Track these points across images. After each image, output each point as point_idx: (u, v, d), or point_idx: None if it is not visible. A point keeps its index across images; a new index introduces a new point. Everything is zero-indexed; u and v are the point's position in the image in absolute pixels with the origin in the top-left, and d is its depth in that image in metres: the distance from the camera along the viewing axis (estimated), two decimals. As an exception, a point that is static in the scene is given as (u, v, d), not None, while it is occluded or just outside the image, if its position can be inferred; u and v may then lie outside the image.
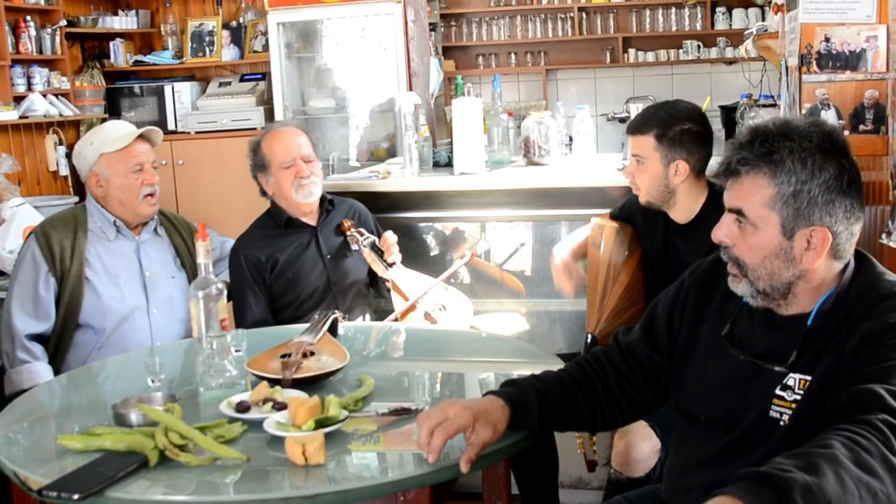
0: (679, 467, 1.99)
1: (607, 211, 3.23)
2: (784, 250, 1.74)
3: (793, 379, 1.74)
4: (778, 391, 1.75)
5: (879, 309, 1.69)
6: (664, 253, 3.00)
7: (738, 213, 1.77)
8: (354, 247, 3.33)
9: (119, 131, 3.25)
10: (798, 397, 1.72)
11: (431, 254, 3.98)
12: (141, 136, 3.23)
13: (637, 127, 2.89)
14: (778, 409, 1.74)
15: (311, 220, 3.38)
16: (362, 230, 3.35)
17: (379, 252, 3.29)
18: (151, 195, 3.21)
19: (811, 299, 1.77)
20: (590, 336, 3.03)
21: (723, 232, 1.81)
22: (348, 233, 3.34)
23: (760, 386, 1.78)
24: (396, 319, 3.20)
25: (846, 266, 1.77)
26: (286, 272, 3.29)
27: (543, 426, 1.96)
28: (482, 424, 1.81)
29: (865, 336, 1.66)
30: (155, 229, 3.32)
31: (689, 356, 1.96)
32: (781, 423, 1.73)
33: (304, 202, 3.30)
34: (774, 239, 1.74)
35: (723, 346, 1.87)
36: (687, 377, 1.96)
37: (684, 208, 2.90)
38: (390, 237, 3.33)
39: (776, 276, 1.75)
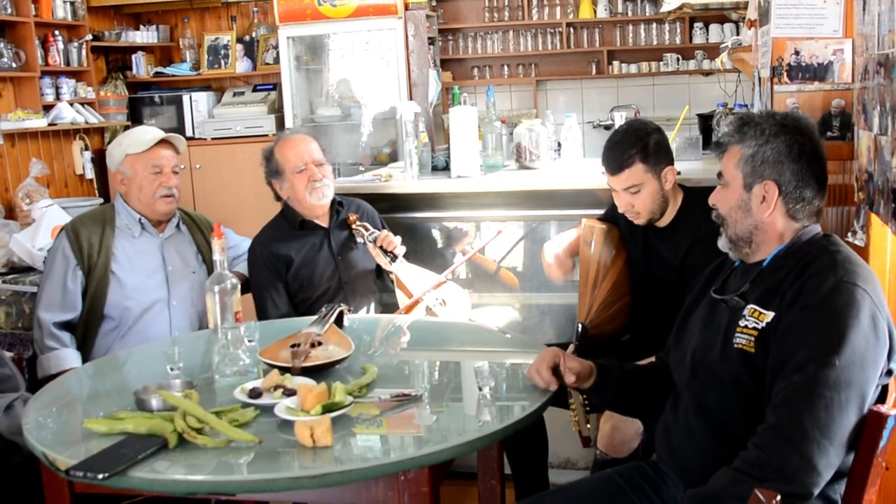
0: (664, 423, 2.15)
1: (594, 212, 3.21)
2: (744, 202, 1.99)
3: (749, 309, 1.94)
4: (741, 322, 1.94)
5: (826, 261, 1.87)
6: (645, 255, 2.98)
7: (720, 175, 2.05)
8: (360, 240, 3.32)
9: (144, 136, 3.26)
10: (756, 324, 1.90)
11: (431, 251, 3.98)
12: (164, 142, 3.24)
13: (620, 164, 2.78)
14: (742, 336, 1.91)
15: (323, 222, 3.36)
16: (367, 225, 3.33)
17: (382, 247, 3.28)
18: (168, 196, 3.22)
19: (772, 248, 2.00)
20: (580, 325, 3.02)
21: (713, 195, 2.08)
22: (353, 226, 3.33)
23: (728, 321, 1.99)
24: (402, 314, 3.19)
25: (807, 229, 1.99)
26: (300, 272, 3.28)
27: (624, 393, 2.24)
28: (570, 357, 2.15)
29: (807, 299, 1.83)
30: (178, 226, 3.33)
31: (689, 315, 2.19)
32: (746, 349, 1.91)
33: (318, 204, 3.29)
34: (738, 192, 2.00)
35: (712, 300, 2.09)
36: (682, 329, 2.18)
37: (669, 213, 2.88)
38: (387, 234, 3.31)
39: (738, 224, 2.01)
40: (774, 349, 1.84)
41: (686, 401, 2.06)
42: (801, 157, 1.96)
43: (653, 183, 2.79)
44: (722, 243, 2.07)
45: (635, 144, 2.78)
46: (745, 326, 1.91)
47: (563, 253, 3.15)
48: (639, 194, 2.80)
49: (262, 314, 3.25)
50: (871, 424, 1.76)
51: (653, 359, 2.33)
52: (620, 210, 2.90)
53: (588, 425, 2.49)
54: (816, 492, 1.71)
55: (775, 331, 1.86)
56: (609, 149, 2.83)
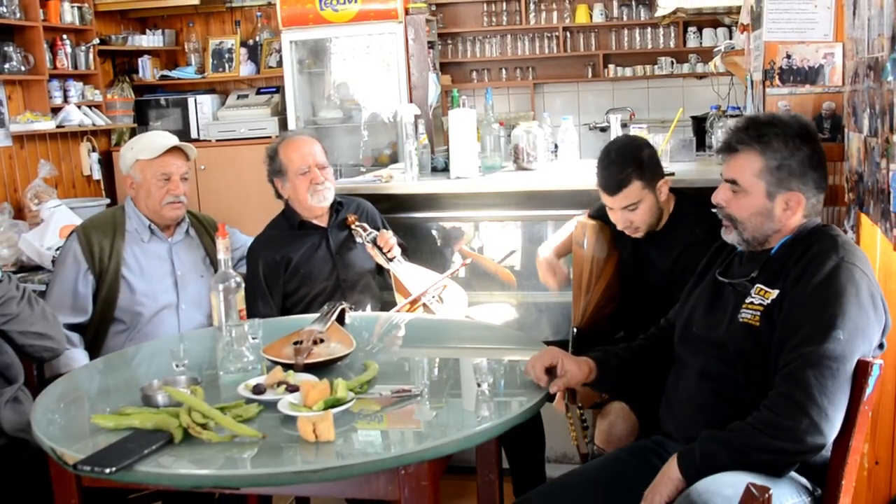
0: (667, 392, 2.25)
1: (586, 210, 3.20)
2: (767, 209, 2.05)
3: (755, 288, 2.04)
4: (747, 300, 2.04)
5: (829, 243, 1.97)
6: (635, 258, 2.95)
7: (733, 182, 2.07)
8: (358, 240, 3.32)
9: (156, 142, 3.21)
10: (762, 301, 2.00)
11: (430, 250, 3.98)
12: (175, 149, 3.21)
13: (618, 184, 2.71)
14: (748, 311, 2.02)
15: (322, 222, 3.36)
16: (365, 225, 3.32)
17: (380, 247, 3.27)
18: (175, 203, 3.19)
19: (780, 238, 2.07)
20: (575, 330, 3.01)
21: (720, 196, 2.11)
22: (352, 226, 3.32)
23: (735, 300, 2.09)
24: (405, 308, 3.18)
25: (811, 219, 2.07)
26: (299, 271, 3.27)
27: (623, 378, 2.31)
28: (570, 360, 2.19)
29: (811, 277, 1.92)
30: (187, 231, 3.30)
31: (691, 292, 2.28)
32: (751, 323, 2.00)
33: (319, 206, 3.28)
34: (760, 200, 2.04)
35: (716, 282, 2.18)
36: (686, 305, 2.27)
37: (662, 219, 2.86)
38: (387, 235, 3.30)
39: (759, 229, 2.06)
40: (781, 324, 1.95)
41: (689, 370, 2.16)
42: (819, 165, 2.05)
43: (650, 198, 2.75)
44: (732, 239, 2.12)
45: (630, 163, 2.71)
46: (752, 303, 2.02)
47: (552, 254, 3.14)
48: (637, 210, 2.75)
49: (249, 312, 3.22)
50: (858, 372, 1.88)
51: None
52: (619, 227, 2.84)
53: (586, 441, 2.51)
54: (822, 450, 1.85)
55: (780, 307, 1.97)
56: (605, 169, 2.75)
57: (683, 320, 2.25)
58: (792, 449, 1.83)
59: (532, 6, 7.81)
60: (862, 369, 1.88)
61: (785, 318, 1.95)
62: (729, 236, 2.13)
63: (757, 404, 1.90)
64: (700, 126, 4.49)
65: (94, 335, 3.12)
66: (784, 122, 2.06)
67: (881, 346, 1.96)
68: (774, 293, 1.99)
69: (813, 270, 1.94)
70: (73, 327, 3.07)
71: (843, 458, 1.90)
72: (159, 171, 3.16)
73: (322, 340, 2.42)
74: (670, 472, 1.92)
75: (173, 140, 3.24)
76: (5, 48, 5.27)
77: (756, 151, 2.03)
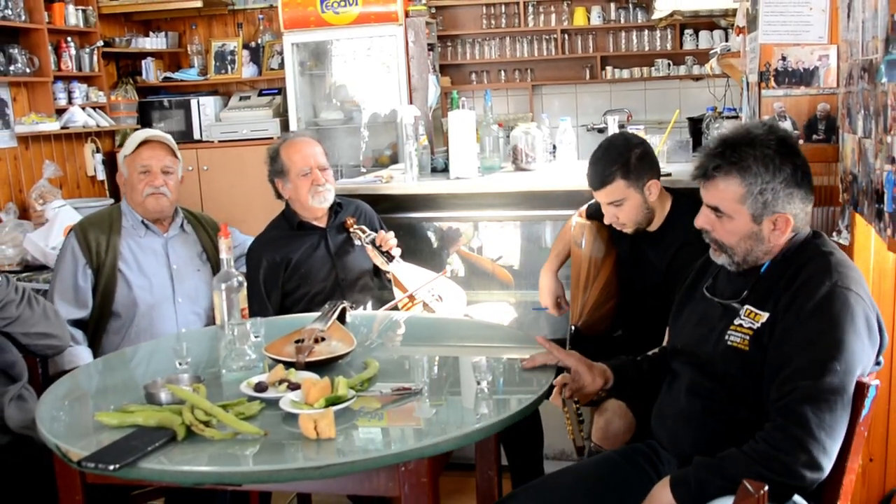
0: (660, 402, 2.21)
1: (583, 208, 3.19)
2: (755, 233, 1.95)
3: (744, 309, 1.96)
4: (735, 321, 1.97)
5: (821, 264, 1.89)
6: (633, 258, 2.95)
7: (715, 209, 1.98)
8: (357, 242, 3.31)
9: (136, 137, 3.26)
10: (752, 324, 1.93)
11: (430, 250, 3.98)
12: (155, 143, 3.24)
13: (601, 181, 2.76)
14: (737, 335, 1.95)
15: (321, 223, 3.35)
16: (364, 227, 3.32)
17: (380, 248, 3.27)
18: (156, 194, 3.20)
19: (770, 256, 1.99)
20: (573, 328, 3.01)
21: (702, 221, 2.04)
22: (351, 229, 3.32)
23: (722, 319, 2.02)
24: (396, 308, 3.19)
25: (800, 232, 1.99)
26: (298, 271, 3.27)
27: (639, 388, 2.30)
28: (585, 371, 2.20)
29: (803, 303, 1.84)
30: (182, 226, 3.31)
31: (683, 307, 2.22)
32: (740, 347, 1.94)
33: (319, 207, 3.28)
34: (747, 225, 1.95)
35: (704, 298, 2.12)
36: (677, 321, 2.23)
37: (658, 218, 2.86)
38: (387, 235, 3.30)
39: (750, 252, 1.98)
40: (773, 351, 1.87)
41: (681, 385, 2.11)
42: (804, 180, 1.95)
43: (636, 197, 2.76)
44: (723, 261, 2.04)
45: (616, 161, 2.74)
46: (741, 325, 1.95)
47: (554, 265, 3.15)
48: (622, 207, 2.78)
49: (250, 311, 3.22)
50: (855, 394, 1.82)
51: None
52: (606, 222, 2.88)
53: (582, 434, 2.51)
54: (819, 482, 1.78)
55: (771, 332, 1.89)
56: (592, 165, 2.80)
57: (675, 334, 2.21)
58: (789, 483, 1.76)
59: (531, 9, 7.82)
60: (859, 391, 1.82)
61: (777, 345, 1.87)
62: (719, 259, 2.04)
63: (748, 423, 1.86)
64: (696, 127, 4.50)
65: (94, 329, 3.14)
66: (760, 140, 1.93)
67: (878, 363, 1.90)
68: (764, 316, 1.92)
69: (805, 296, 1.85)
70: (75, 323, 3.08)
71: (840, 480, 1.84)
72: (139, 165, 3.20)
73: (323, 339, 2.42)
74: (662, 498, 1.86)
75: (148, 133, 3.29)
76: (10, 50, 5.27)
77: (734, 177, 1.93)
